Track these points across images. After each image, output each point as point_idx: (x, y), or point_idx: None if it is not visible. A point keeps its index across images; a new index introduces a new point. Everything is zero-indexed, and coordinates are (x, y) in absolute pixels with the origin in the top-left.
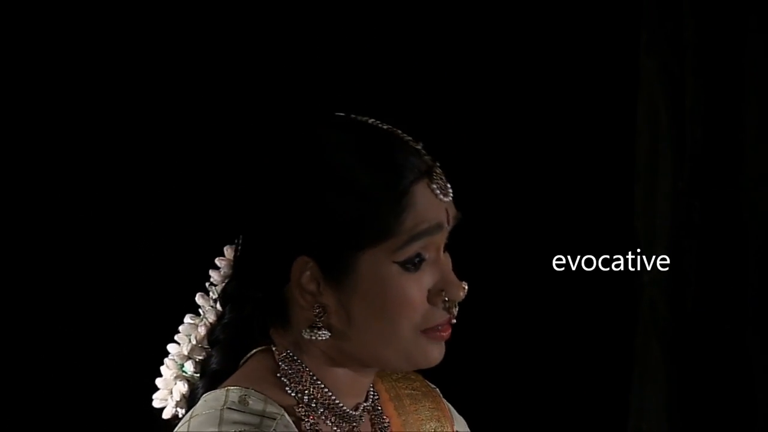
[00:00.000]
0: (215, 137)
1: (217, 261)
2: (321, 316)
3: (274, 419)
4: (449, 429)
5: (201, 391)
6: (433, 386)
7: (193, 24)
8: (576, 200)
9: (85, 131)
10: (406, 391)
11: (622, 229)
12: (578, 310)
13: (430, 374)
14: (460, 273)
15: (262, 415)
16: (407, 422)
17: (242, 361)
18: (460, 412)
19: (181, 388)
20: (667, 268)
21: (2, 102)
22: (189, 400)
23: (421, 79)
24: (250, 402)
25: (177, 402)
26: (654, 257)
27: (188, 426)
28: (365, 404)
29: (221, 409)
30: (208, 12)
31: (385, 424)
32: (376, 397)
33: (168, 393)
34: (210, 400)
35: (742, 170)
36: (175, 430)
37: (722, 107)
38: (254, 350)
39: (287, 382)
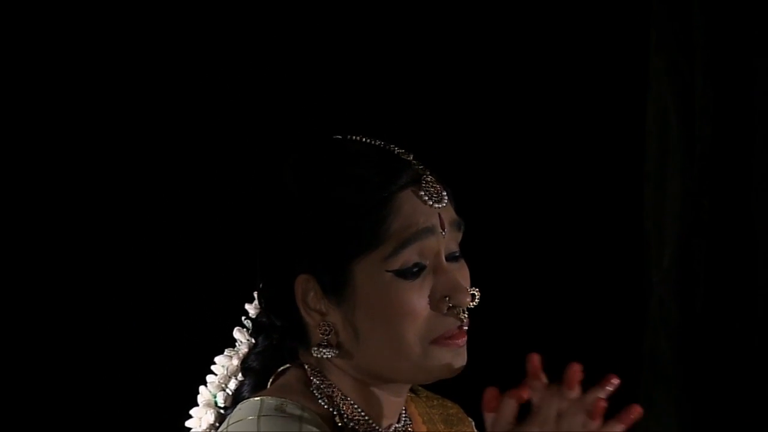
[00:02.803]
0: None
1: (255, 294)
2: (328, 334)
3: (313, 423)
4: None
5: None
6: (470, 419)
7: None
8: (586, 200)
9: (100, 157)
10: (440, 417)
11: (631, 229)
12: (587, 309)
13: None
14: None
15: (301, 418)
16: None
17: (273, 378)
18: (465, 412)
19: (210, 418)
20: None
21: (2, 102)
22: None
23: (429, 82)
24: (287, 409)
25: (205, 431)
26: (663, 256)
27: None
28: (397, 425)
29: (258, 416)
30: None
31: None
32: (409, 422)
33: (198, 421)
34: (245, 408)
35: (751, 169)
36: None
37: (731, 106)
38: (285, 366)
39: (319, 396)
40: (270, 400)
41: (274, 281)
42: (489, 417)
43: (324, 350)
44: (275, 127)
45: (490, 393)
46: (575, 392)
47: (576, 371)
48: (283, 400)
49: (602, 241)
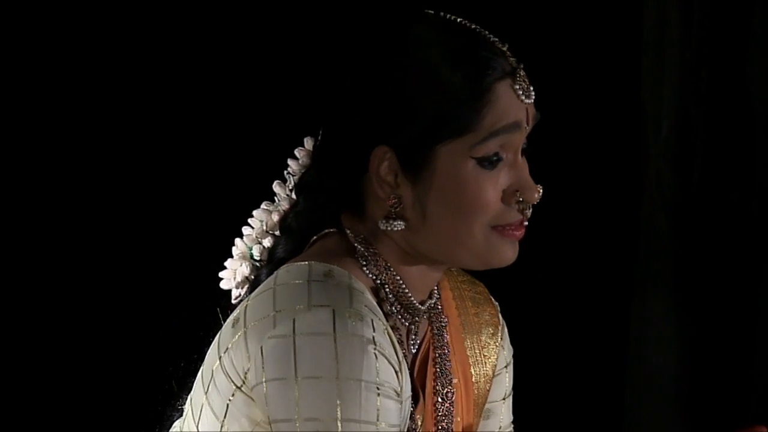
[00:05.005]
0: (300, 28)
1: (296, 151)
2: (397, 207)
3: (363, 293)
4: (499, 340)
5: (264, 277)
6: (495, 302)
7: None
8: (583, 69)
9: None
10: (469, 294)
11: (629, 100)
12: (585, 180)
13: None
14: None
15: (350, 286)
16: (466, 323)
17: (311, 241)
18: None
19: (245, 270)
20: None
21: (2, 102)
22: (251, 284)
23: None
24: (335, 275)
25: (238, 283)
26: (661, 127)
27: (273, 296)
28: (430, 301)
29: (308, 281)
30: None
31: (443, 323)
32: (438, 296)
33: (232, 273)
34: (293, 271)
35: (748, 39)
36: (256, 297)
37: None
38: (324, 231)
39: (364, 263)
40: (318, 266)
41: (345, 145)
42: None
43: (393, 223)
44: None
45: None
46: None
47: None
48: (330, 266)
49: (600, 111)
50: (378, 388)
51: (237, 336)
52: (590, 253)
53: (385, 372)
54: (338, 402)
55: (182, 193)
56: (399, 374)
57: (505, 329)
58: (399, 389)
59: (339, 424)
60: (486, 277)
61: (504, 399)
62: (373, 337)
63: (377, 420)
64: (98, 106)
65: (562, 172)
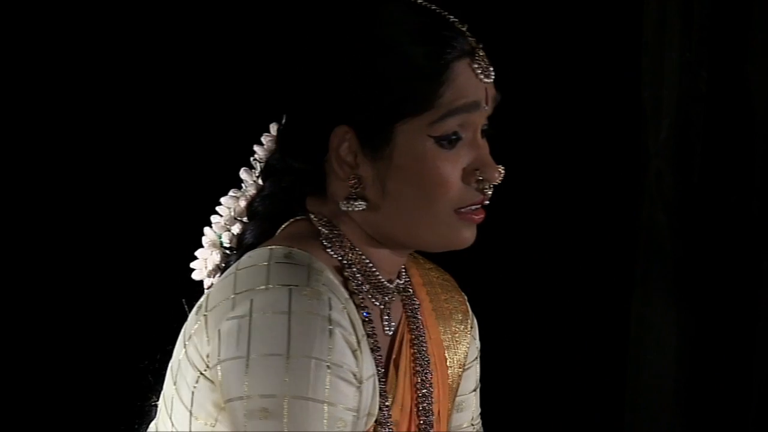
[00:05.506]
0: (265, 13)
1: (263, 137)
2: (357, 188)
3: (322, 272)
4: (468, 328)
5: (234, 262)
6: (463, 293)
7: None
8: (583, 70)
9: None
10: (438, 280)
11: (629, 100)
12: (584, 179)
13: None
14: None
15: (309, 266)
16: (438, 308)
17: (279, 231)
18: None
19: (215, 258)
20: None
21: (2, 102)
22: (222, 272)
23: None
24: (295, 256)
25: (210, 272)
26: (661, 128)
27: (234, 280)
28: (399, 281)
29: (268, 263)
30: None
31: (416, 306)
32: (408, 280)
33: (204, 263)
34: (255, 256)
35: (749, 40)
36: (218, 282)
37: None
38: (291, 220)
39: (328, 245)
40: (279, 249)
41: (306, 126)
42: None
43: (354, 203)
44: None
45: None
46: None
47: None
48: (291, 248)
49: (600, 111)
50: (329, 367)
51: (198, 323)
52: (590, 253)
53: (340, 351)
54: (286, 379)
55: (150, 183)
56: (357, 353)
57: (475, 320)
58: (356, 371)
59: (286, 401)
60: (486, 279)
61: (474, 391)
62: (329, 315)
63: (326, 399)
64: (70, 98)
65: (562, 171)
